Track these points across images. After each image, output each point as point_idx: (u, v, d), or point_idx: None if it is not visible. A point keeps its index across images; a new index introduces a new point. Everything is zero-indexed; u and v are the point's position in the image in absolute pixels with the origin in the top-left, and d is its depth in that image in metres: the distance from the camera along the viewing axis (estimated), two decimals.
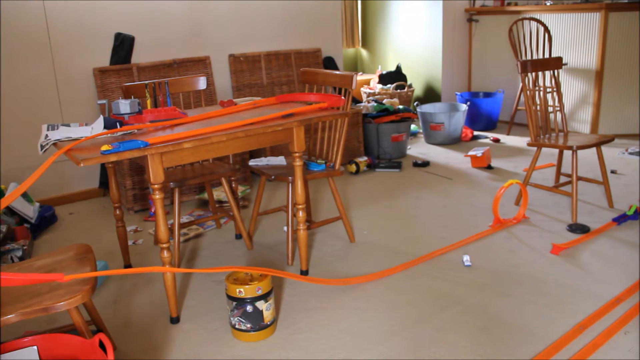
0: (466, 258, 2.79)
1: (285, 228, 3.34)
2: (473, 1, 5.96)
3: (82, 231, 3.51)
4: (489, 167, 4.36)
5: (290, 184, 2.76)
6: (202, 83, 3.13)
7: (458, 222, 3.31)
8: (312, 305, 2.45)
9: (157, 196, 2.20)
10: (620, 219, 3.17)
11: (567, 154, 4.30)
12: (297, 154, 2.55)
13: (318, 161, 2.96)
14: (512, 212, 3.39)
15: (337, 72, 2.88)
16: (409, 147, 5.09)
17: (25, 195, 3.57)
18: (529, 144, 3.38)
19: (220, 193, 3.70)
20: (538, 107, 3.42)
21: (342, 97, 2.72)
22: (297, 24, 4.90)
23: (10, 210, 3.38)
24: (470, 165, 4.45)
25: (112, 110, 2.40)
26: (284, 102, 2.90)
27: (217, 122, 2.41)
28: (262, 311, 2.18)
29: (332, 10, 5.10)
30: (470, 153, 4.41)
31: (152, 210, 3.70)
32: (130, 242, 3.24)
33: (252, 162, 3.05)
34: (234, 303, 2.18)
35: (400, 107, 4.93)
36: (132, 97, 2.93)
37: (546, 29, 4.87)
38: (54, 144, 2.23)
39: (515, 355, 2.03)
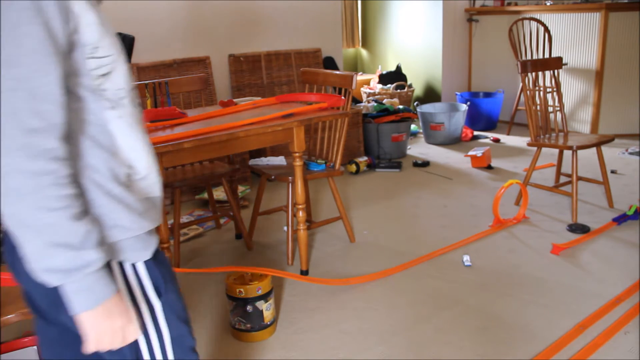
0: (466, 258, 2.79)
1: (285, 228, 3.34)
2: (473, 1, 5.96)
3: None
4: (489, 167, 4.36)
5: (290, 184, 2.76)
6: (202, 83, 3.13)
7: (458, 222, 3.31)
8: (312, 305, 2.45)
9: None
10: (620, 219, 3.17)
11: (567, 154, 4.30)
12: (297, 154, 2.55)
13: (318, 161, 2.96)
14: (512, 212, 3.38)
15: (337, 72, 2.88)
16: (409, 147, 5.09)
17: None
18: (529, 144, 3.38)
19: (220, 193, 3.70)
20: (538, 107, 3.42)
21: (342, 97, 2.72)
22: (297, 24, 4.89)
23: None
24: (470, 165, 4.45)
25: None
26: (284, 102, 2.90)
27: (217, 122, 2.41)
28: (262, 311, 2.17)
29: (332, 10, 5.09)
30: (470, 153, 4.41)
31: None
32: None
33: (252, 162, 3.05)
34: (234, 303, 2.18)
35: (400, 107, 4.93)
36: None
37: (546, 29, 4.87)
38: None
39: (515, 355, 2.03)
